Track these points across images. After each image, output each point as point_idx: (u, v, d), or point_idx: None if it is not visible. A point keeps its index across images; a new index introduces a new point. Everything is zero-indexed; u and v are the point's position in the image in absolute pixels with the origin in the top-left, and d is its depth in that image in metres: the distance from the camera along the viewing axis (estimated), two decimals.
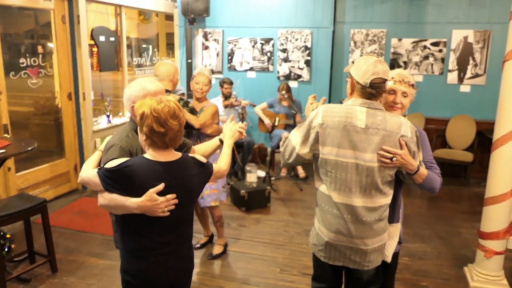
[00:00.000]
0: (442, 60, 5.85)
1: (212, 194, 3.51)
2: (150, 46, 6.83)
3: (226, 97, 5.66)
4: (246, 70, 6.52)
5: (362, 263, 2.02)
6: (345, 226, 1.96)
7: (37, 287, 3.14)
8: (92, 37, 5.21)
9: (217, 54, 6.61)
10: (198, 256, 3.55)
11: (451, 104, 5.90)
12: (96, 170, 1.74)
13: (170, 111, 1.66)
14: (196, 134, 3.37)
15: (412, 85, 2.07)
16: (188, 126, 3.11)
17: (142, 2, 5.98)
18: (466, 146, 5.70)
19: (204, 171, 1.86)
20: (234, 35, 6.48)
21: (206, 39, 6.60)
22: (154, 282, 1.78)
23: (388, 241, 2.09)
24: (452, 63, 5.82)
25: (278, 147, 5.64)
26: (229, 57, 6.56)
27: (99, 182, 1.70)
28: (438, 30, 5.80)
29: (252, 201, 4.66)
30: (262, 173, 5.57)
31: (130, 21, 6.42)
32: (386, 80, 1.92)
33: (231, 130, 2.22)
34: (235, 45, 6.50)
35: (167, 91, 3.05)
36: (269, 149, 6.21)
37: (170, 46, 7.05)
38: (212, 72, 6.19)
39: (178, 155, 1.77)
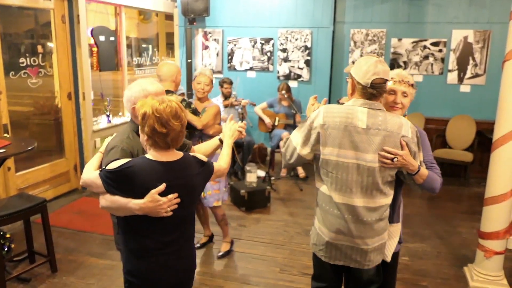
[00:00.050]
0: (442, 60, 5.86)
1: (214, 194, 3.52)
2: (150, 46, 6.83)
3: (226, 97, 5.65)
4: (246, 70, 6.52)
5: (363, 262, 2.02)
6: (346, 226, 1.97)
7: (37, 287, 3.14)
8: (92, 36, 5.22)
9: (217, 54, 6.61)
10: (198, 256, 3.55)
11: (451, 104, 5.91)
12: (98, 172, 1.73)
13: (172, 112, 1.66)
14: (198, 134, 3.37)
15: (412, 85, 2.08)
16: (190, 127, 3.12)
17: (142, 2, 5.98)
18: (466, 146, 5.70)
19: (205, 170, 1.87)
20: (234, 35, 6.48)
21: (206, 39, 6.60)
22: (155, 282, 1.78)
23: (388, 240, 2.10)
24: (452, 63, 5.82)
25: (278, 147, 5.65)
26: (229, 57, 6.55)
27: (101, 184, 1.69)
28: (438, 30, 5.80)
29: (252, 201, 4.66)
30: (262, 173, 5.57)
31: (130, 20, 6.41)
32: (387, 80, 1.92)
33: (230, 129, 2.23)
34: (235, 45, 6.50)
35: (169, 91, 3.05)
36: (269, 149, 6.21)
37: (170, 46, 7.05)
38: (212, 71, 6.18)
39: (180, 154, 1.77)
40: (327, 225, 2.02)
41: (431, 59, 5.89)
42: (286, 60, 6.32)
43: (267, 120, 5.84)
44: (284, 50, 6.30)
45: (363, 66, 1.90)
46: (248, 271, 3.45)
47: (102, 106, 5.53)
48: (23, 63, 4.32)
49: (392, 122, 1.91)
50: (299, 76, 6.30)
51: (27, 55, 4.39)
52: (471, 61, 5.75)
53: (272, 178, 5.59)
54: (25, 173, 4.43)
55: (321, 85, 6.23)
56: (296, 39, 6.21)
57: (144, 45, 6.80)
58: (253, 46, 6.42)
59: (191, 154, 1.88)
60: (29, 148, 3.27)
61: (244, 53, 6.48)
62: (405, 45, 5.94)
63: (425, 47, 5.88)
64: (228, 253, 3.68)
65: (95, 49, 5.30)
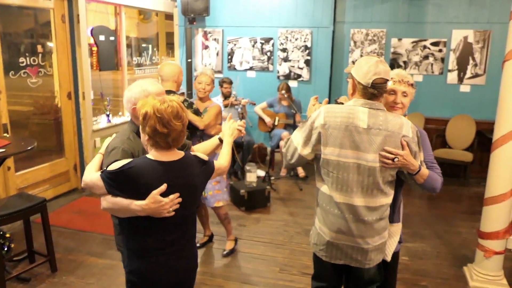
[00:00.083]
0: (442, 60, 5.86)
1: (216, 194, 3.52)
2: (150, 46, 6.82)
3: (226, 96, 5.65)
4: (246, 70, 6.52)
5: (363, 262, 2.03)
6: (347, 225, 1.97)
7: (37, 287, 3.13)
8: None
9: (217, 54, 6.60)
10: (198, 256, 3.55)
11: (451, 104, 5.91)
12: (99, 173, 1.72)
13: (173, 112, 1.65)
14: (199, 134, 3.37)
15: (412, 85, 2.08)
16: (192, 127, 3.11)
17: (142, 2, 5.97)
18: (466, 146, 5.70)
19: (206, 169, 1.87)
20: (234, 35, 6.47)
21: (206, 39, 6.60)
22: (155, 282, 1.78)
23: (388, 240, 2.10)
24: (452, 63, 5.83)
25: (277, 146, 5.65)
26: (229, 57, 6.55)
27: (103, 185, 1.68)
28: (438, 30, 5.80)
29: (252, 201, 4.66)
30: (261, 173, 5.57)
31: (130, 20, 6.41)
32: (388, 80, 1.92)
33: (230, 128, 2.23)
34: (235, 44, 6.49)
35: (171, 91, 3.04)
36: (268, 149, 6.21)
37: (170, 46, 7.05)
38: (213, 71, 6.18)
39: (181, 154, 1.77)
40: (328, 225, 2.03)
41: (431, 59, 5.89)
42: (286, 60, 6.32)
43: (267, 119, 5.84)
44: (284, 50, 6.30)
45: (364, 66, 1.90)
46: (248, 270, 3.45)
47: (102, 106, 5.53)
48: (23, 62, 4.31)
49: (393, 122, 1.92)
50: (299, 76, 6.30)
51: (27, 54, 4.38)
52: (471, 61, 5.75)
53: (272, 178, 5.59)
54: (25, 172, 4.43)
55: (321, 85, 6.23)
56: (296, 39, 6.21)
57: (144, 45, 6.79)
58: (253, 46, 6.42)
59: (192, 153, 1.87)
60: (29, 148, 3.27)
61: (244, 53, 6.48)
62: (405, 45, 5.94)
63: (425, 47, 5.88)
64: (232, 251, 3.70)
65: (95, 48, 5.29)
